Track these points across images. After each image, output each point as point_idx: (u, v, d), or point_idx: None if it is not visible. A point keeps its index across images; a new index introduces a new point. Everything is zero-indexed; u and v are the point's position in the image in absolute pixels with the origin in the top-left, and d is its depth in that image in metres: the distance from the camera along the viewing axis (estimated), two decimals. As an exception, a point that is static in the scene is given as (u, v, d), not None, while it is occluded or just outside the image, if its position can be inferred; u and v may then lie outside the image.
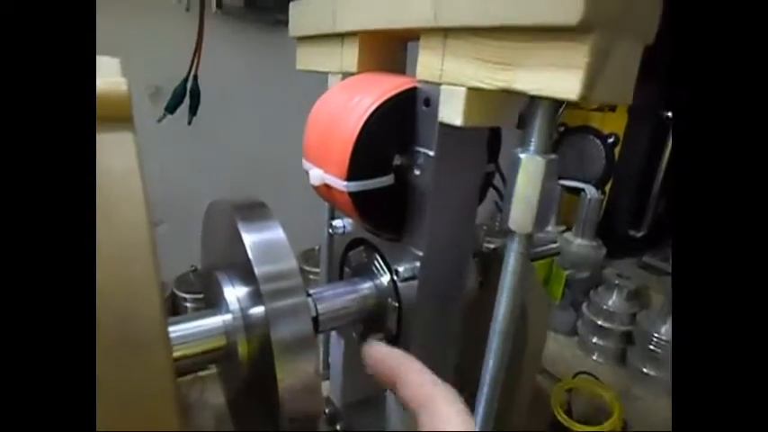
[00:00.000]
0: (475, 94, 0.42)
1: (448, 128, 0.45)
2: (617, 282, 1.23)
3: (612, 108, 1.46)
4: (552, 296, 1.29)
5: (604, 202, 1.37)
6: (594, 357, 1.24)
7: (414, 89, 0.48)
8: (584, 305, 1.28)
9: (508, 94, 0.41)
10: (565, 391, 0.90)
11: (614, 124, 1.44)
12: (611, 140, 1.42)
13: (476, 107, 0.43)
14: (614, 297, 1.23)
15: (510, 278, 0.45)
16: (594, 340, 1.23)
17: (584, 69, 0.33)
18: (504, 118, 0.45)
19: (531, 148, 0.41)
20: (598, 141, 1.44)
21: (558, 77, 0.35)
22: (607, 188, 1.46)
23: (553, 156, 0.41)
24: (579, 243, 1.32)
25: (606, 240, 1.34)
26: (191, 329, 0.49)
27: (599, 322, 1.22)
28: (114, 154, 0.27)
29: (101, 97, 0.27)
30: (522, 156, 0.40)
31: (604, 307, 1.22)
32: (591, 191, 1.31)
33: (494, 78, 0.40)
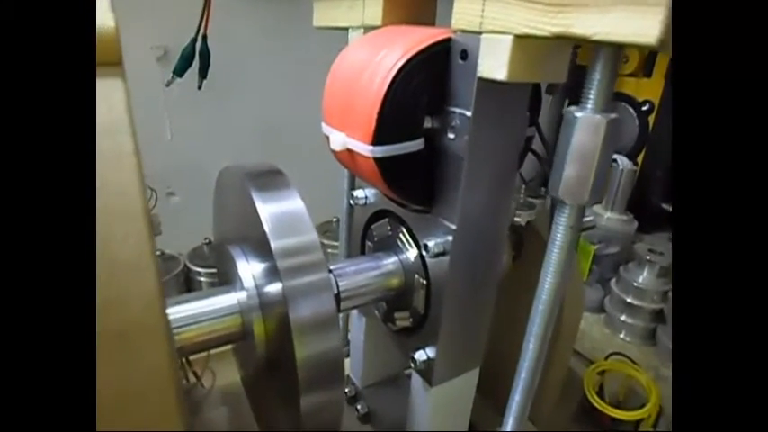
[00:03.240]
0: (522, 43, 0.36)
1: (487, 84, 0.39)
2: (648, 257, 1.17)
3: (648, 73, 1.37)
4: (580, 272, 1.24)
5: (636, 174, 1.30)
6: (622, 336, 1.19)
7: (448, 41, 0.43)
8: (613, 282, 1.23)
9: (559, 43, 0.35)
10: (597, 374, 0.86)
11: (649, 91, 1.36)
12: (645, 108, 1.34)
13: (523, 59, 0.37)
14: (645, 273, 1.17)
15: (557, 254, 0.40)
16: (623, 318, 1.18)
17: (666, 7, 0.27)
18: (553, 71, 0.39)
19: (589, 105, 0.35)
20: (631, 109, 1.36)
21: (632, 18, 0.29)
22: (640, 158, 1.38)
23: (614, 115, 0.35)
24: (609, 216, 1.26)
25: (638, 214, 1.27)
26: (202, 308, 0.46)
27: (628, 299, 1.17)
28: (101, 105, 0.22)
29: (83, 35, 0.22)
30: (579, 115, 0.35)
31: (634, 284, 1.16)
32: (623, 161, 1.24)
33: (547, 23, 0.34)
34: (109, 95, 0.22)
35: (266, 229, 0.41)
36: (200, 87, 1.02)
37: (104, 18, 0.23)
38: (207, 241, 1.18)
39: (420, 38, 0.43)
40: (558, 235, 0.39)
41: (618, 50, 0.34)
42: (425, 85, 0.43)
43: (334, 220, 1.34)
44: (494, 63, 0.38)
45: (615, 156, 1.26)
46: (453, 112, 0.43)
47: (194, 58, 0.99)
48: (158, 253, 1.12)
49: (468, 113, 0.42)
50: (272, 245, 0.41)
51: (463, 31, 0.41)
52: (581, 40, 0.32)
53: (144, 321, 0.20)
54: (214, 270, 1.10)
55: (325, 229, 1.33)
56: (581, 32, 0.32)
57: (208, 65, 1.01)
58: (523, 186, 1.49)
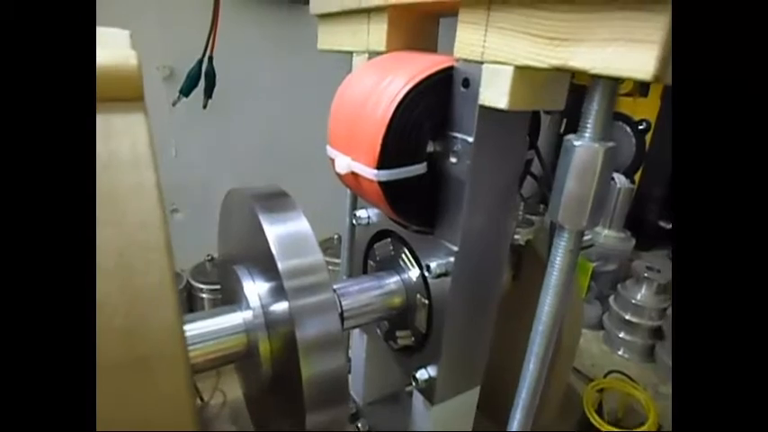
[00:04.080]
0: (523, 73, 0.38)
1: (489, 111, 0.41)
2: (646, 275, 1.18)
3: (644, 93, 1.39)
4: (579, 290, 1.25)
5: (634, 192, 1.31)
6: (621, 353, 1.19)
7: (450, 69, 0.44)
8: (611, 299, 1.24)
9: (558, 73, 0.37)
10: (596, 391, 0.86)
11: (646, 110, 1.38)
12: (642, 127, 1.36)
13: (523, 88, 0.38)
14: (643, 290, 1.18)
15: (556, 276, 0.40)
16: (621, 335, 1.19)
17: (661, 44, 0.28)
18: (552, 100, 0.41)
19: (587, 134, 0.36)
20: (628, 128, 1.37)
21: (628, 54, 0.30)
22: (637, 177, 1.40)
23: (611, 143, 0.36)
24: (607, 234, 1.28)
25: (635, 231, 1.29)
26: (208, 328, 0.46)
27: (626, 317, 1.17)
28: (123, 139, 0.23)
29: (107, 73, 0.23)
30: (577, 143, 0.36)
31: (633, 301, 1.17)
32: (620, 180, 1.26)
33: (547, 56, 0.35)
34: (132, 130, 0.23)
35: (273, 249, 0.42)
36: (205, 107, 1.04)
37: (127, 56, 0.24)
38: (209, 258, 1.19)
39: (424, 66, 0.45)
40: (558, 258, 0.40)
41: (615, 82, 0.35)
42: (428, 112, 0.44)
43: (335, 236, 1.34)
44: (495, 92, 0.39)
45: (613, 174, 1.28)
46: (455, 138, 0.45)
47: (200, 79, 1.01)
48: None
49: (470, 139, 0.43)
50: (279, 265, 0.42)
51: (465, 60, 0.42)
52: (579, 72, 0.34)
53: (164, 350, 0.21)
54: (217, 287, 1.10)
55: (326, 246, 1.33)
56: (579, 66, 0.33)
57: (213, 85, 1.03)
58: (522, 204, 1.49)
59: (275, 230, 0.44)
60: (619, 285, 1.23)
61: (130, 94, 0.24)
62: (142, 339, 0.20)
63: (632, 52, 0.30)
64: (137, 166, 0.22)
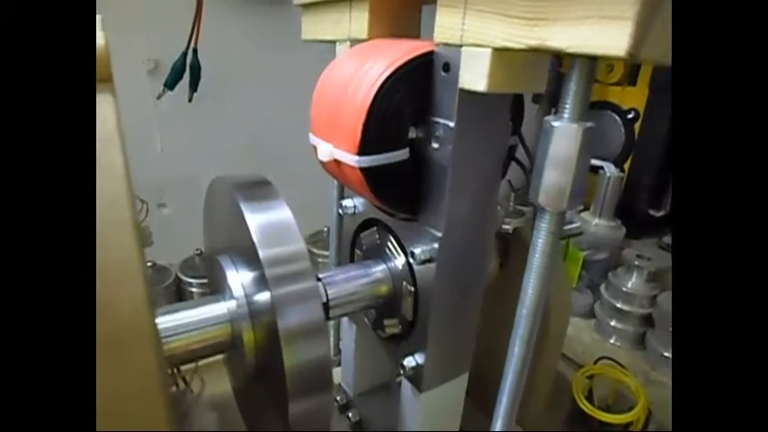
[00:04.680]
0: (501, 55, 0.37)
1: (469, 95, 0.41)
2: (636, 263, 1.18)
3: (633, 82, 1.39)
4: (569, 278, 1.25)
5: (624, 181, 1.32)
6: (612, 341, 1.20)
7: (431, 53, 0.44)
8: (602, 287, 1.24)
9: (537, 55, 0.37)
10: (586, 378, 0.87)
11: (634, 99, 1.38)
12: (630, 116, 1.36)
13: (501, 70, 0.38)
14: (634, 279, 1.19)
15: (539, 259, 0.41)
16: (613, 323, 1.19)
17: (634, 20, 0.28)
18: (532, 82, 0.41)
19: (566, 114, 0.36)
20: (617, 117, 1.38)
21: (602, 31, 0.30)
22: (627, 165, 1.40)
23: (590, 123, 0.36)
24: (597, 223, 1.28)
25: (625, 220, 1.29)
26: (192, 317, 0.46)
27: (618, 305, 1.18)
28: (91, 119, 0.23)
29: (73, 54, 0.23)
30: (556, 124, 0.36)
31: (623, 289, 1.18)
32: (610, 168, 1.26)
33: (524, 36, 0.35)
34: (101, 110, 0.23)
35: (254, 238, 0.42)
36: (190, 100, 1.03)
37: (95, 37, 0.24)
38: (198, 252, 1.18)
39: (404, 51, 0.44)
40: (540, 240, 0.40)
41: (593, 62, 0.35)
42: (409, 97, 0.44)
43: (325, 229, 1.34)
44: (474, 75, 0.39)
45: (602, 163, 1.28)
46: (437, 123, 0.45)
47: (185, 71, 1.00)
48: (150, 264, 1.13)
49: (452, 124, 0.43)
50: (261, 254, 0.41)
51: (445, 44, 0.42)
52: (556, 52, 0.34)
53: (133, 326, 0.21)
54: (206, 281, 1.10)
55: (316, 239, 1.33)
56: (556, 45, 0.33)
57: (198, 78, 1.02)
58: (512, 194, 1.50)
59: (257, 219, 0.43)
60: (609, 274, 1.23)
61: (99, 75, 0.24)
62: (111, 316, 0.20)
63: (606, 29, 0.30)
64: (105, 146, 0.22)
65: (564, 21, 0.32)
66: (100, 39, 0.25)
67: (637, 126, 1.38)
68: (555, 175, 0.37)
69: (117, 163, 0.22)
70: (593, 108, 1.43)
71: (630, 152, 1.38)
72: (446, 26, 0.41)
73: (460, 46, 0.40)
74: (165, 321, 0.44)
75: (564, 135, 0.36)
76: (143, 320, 0.21)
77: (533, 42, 0.34)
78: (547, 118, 0.37)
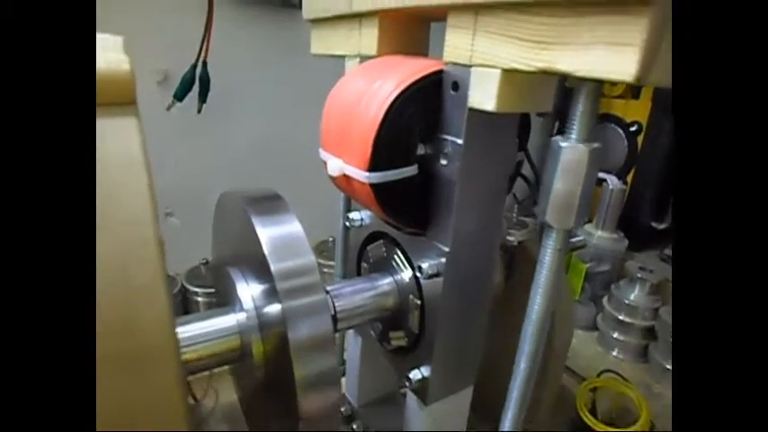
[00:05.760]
0: (509, 76, 0.38)
1: (478, 114, 0.42)
2: (639, 275, 1.19)
3: (636, 95, 1.40)
4: (572, 291, 1.26)
5: (626, 193, 1.32)
6: (615, 353, 1.20)
7: (440, 72, 0.45)
8: (605, 299, 1.24)
9: (545, 76, 0.38)
10: (589, 391, 0.87)
11: (637, 112, 1.39)
12: (633, 129, 1.37)
13: (510, 91, 0.39)
14: (636, 291, 1.19)
15: (545, 275, 0.41)
16: (615, 335, 1.19)
17: (642, 47, 0.29)
18: (539, 102, 0.42)
19: (573, 135, 0.37)
20: (620, 130, 1.39)
21: (610, 57, 0.31)
22: (629, 178, 1.41)
23: (596, 144, 0.37)
24: (600, 235, 1.28)
25: (628, 232, 1.30)
26: (202, 329, 0.47)
27: (620, 317, 1.18)
28: (116, 142, 0.24)
29: (100, 78, 0.24)
30: (564, 144, 0.37)
31: (626, 301, 1.18)
32: (613, 181, 1.27)
33: (532, 59, 0.36)
34: (125, 133, 0.24)
35: (266, 251, 0.43)
36: (199, 111, 1.04)
37: (120, 61, 0.25)
38: (204, 261, 1.19)
39: (414, 69, 0.45)
40: (547, 257, 0.41)
41: (599, 85, 0.36)
42: (419, 115, 0.45)
43: (330, 239, 1.35)
44: (483, 95, 0.40)
45: (605, 176, 1.29)
46: (446, 140, 0.45)
47: (194, 83, 1.01)
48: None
49: (460, 141, 0.44)
50: (272, 267, 0.42)
51: (454, 64, 0.43)
52: (565, 75, 0.35)
53: (156, 343, 0.21)
54: (211, 290, 1.10)
55: (321, 249, 1.34)
56: (564, 69, 0.34)
57: (208, 89, 1.03)
58: (516, 206, 1.51)
59: (268, 232, 0.44)
60: (612, 286, 1.24)
61: (123, 99, 0.25)
62: (135, 335, 0.21)
63: (614, 55, 0.30)
64: (130, 169, 0.23)
65: (573, 45, 0.33)
66: (124, 63, 0.26)
67: (640, 139, 1.39)
68: (562, 194, 0.37)
69: (141, 185, 0.23)
70: (597, 121, 1.44)
71: (633, 165, 1.39)
72: (456, 46, 0.42)
73: (470, 66, 0.41)
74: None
75: (571, 155, 0.37)
76: (166, 338, 0.21)
77: (542, 65, 0.35)
78: (554, 138, 0.38)
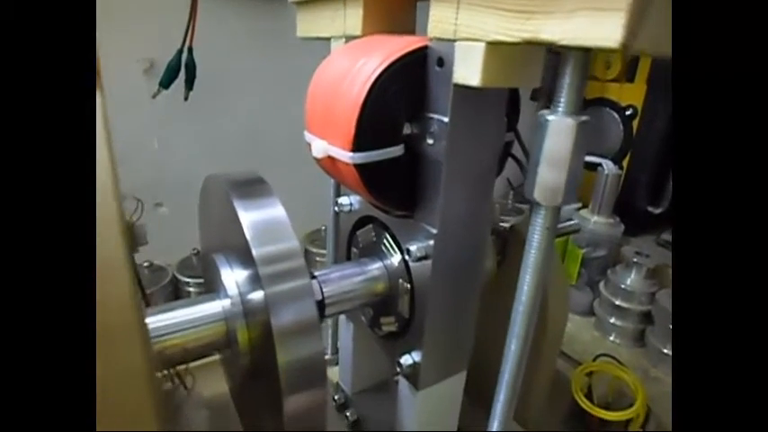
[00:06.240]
0: (494, 49, 0.37)
1: (464, 90, 0.40)
2: (635, 260, 1.18)
3: (630, 78, 1.39)
4: (567, 276, 1.25)
5: (622, 178, 1.31)
6: (612, 338, 1.20)
7: (425, 49, 0.44)
8: (602, 284, 1.24)
9: (531, 48, 0.36)
10: (585, 375, 0.86)
11: (632, 96, 1.38)
12: (629, 113, 1.35)
13: (495, 65, 0.38)
14: (633, 276, 1.18)
15: (534, 255, 0.40)
16: (612, 320, 1.19)
17: (627, 12, 0.28)
18: (526, 77, 0.40)
19: (560, 108, 0.36)
20: (615, 114, 1.37)
21: (595, 23, 0.30)
22: (625, 163, 1.40)
23: (585, 117, 0.36)
24: (596, 220, 1.27)
25: (624, 217, 1.29)
26: (187, 316, 0.46)
27: (617, 302, 1.18)
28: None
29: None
30: (551, 118, 0.36)
31: (622, 286, 1.17)
32: (608, 166, 1.25)
33: (517, 29, 0.35)
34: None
35: (248, 236, 0.42)
36: (186, 99, 1.03)
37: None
38: (195, 252, 1.18)
39: (398, 46, 0.44)
40: (535, 236, 0.40)
41: (586, 54, 0.35)
42: (403, 92, 0.44)
43: (323, 228, 1.34)
44: (468, 70, 0.39)
45: (601, 160, 1.28)
46: (431, 118, 0.44)
47: (180, 70, 1.00)
48: (147, 264, 1.12)
49: (446, 119, 0.43)
50: (254, 252, 0.41)
51: (439, 39, 0.42)
52: (550, 44, 0.33)
53: (120, 321, 0.20)
54: (203, 280, 1.09)
55: (314, 238, 1.33)
56: (549, 38, 0.33)
57: (194, 76, 1.01)
58: (512, 192, 1.49)
59: (250, 217, 0.43)
60: (608, 271, 1.23)
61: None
62: (100, 310, 0.20)
63: (599, 21, 0.29)
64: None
65: (557, 13, 0.32)
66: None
67: (635, 123, 1.37)
68: (550, 169, 0.36)
69: (101, 161, 0.22)
70: (591, 105, 1.42)
71: (629, 149, 1.37)
72: (439, 20, 0.41)
73: (454, 40, 0.40)
74: (159, 320, 0.44)
75: (559, 129, 0.36)
76: (129, 316, 0.20)
77: (526, 35, 0.34)
78: (541, 112, 0.37)
